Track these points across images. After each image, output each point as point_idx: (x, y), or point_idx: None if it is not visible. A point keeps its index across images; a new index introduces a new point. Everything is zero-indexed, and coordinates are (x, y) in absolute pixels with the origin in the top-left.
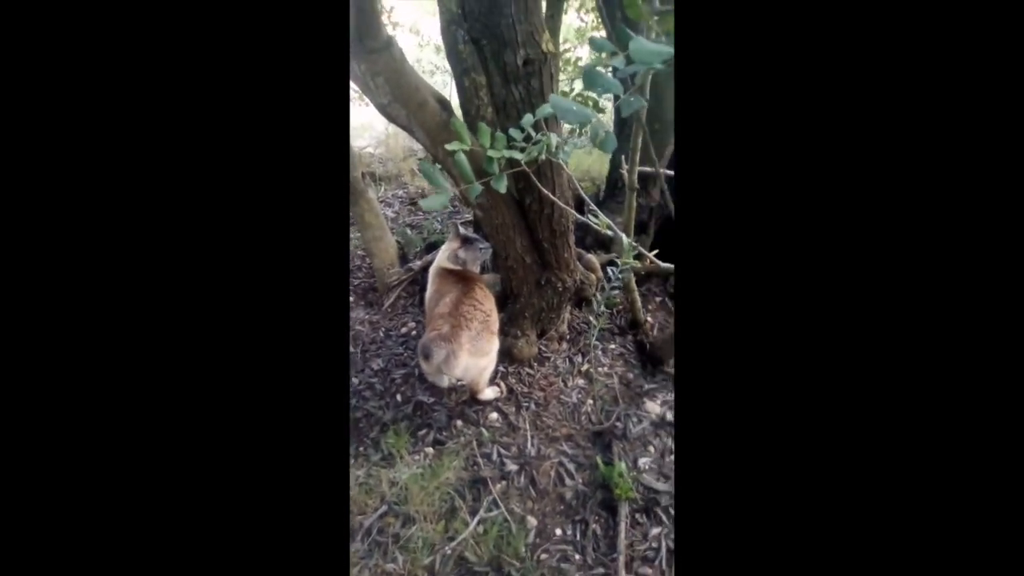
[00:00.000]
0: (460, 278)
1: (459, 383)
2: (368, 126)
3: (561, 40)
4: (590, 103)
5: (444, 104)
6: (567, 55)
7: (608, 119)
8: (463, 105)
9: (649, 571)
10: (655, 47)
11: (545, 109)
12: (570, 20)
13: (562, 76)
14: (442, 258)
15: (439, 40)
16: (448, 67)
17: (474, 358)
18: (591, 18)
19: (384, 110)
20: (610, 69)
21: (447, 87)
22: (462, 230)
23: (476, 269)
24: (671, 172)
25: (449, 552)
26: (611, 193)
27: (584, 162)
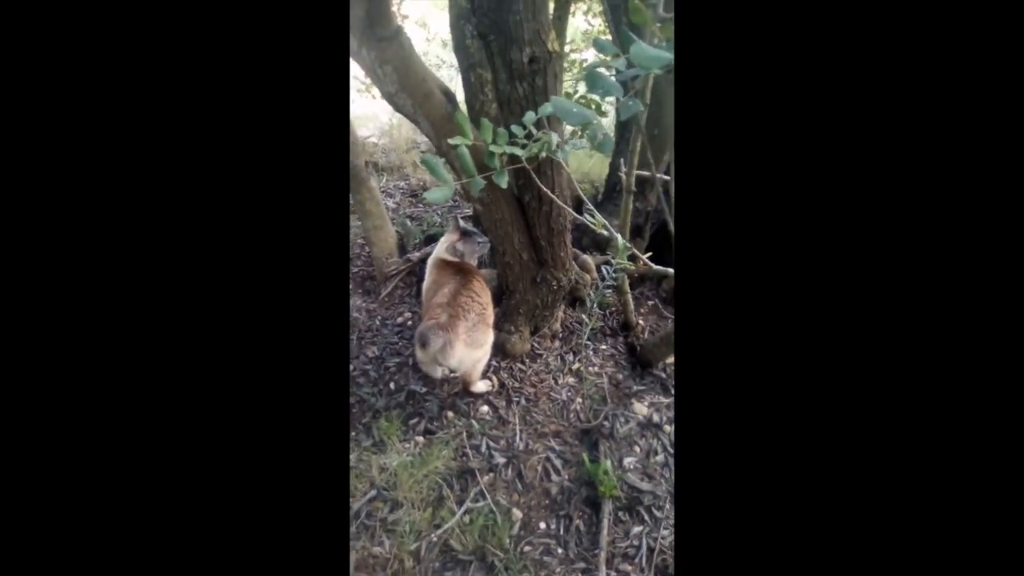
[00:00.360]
0: (458, 270)
1: (452, 375)
2: (372, 116)
3: (567, 41)
4: (592, 105)
5: (449, 96)
6: (572, 57)
7: (610, 122)
8: (468, 100)
9: (629, 568)
10: (655, 52)
11: (547, 108)
12: (577, 23)
13: (566, 78)
14: (440, 249)
15: (446, 35)
16: (454, 62)
17: (470, 349)
18: (598, 22)
19: (391, 99)
20: (613, 72)
21: (452, 81)
22: (462, 223)
23: (473, 262)
24: (667, 177)
25: (435, 539)
26: (609, 196)
27: (584, 165)
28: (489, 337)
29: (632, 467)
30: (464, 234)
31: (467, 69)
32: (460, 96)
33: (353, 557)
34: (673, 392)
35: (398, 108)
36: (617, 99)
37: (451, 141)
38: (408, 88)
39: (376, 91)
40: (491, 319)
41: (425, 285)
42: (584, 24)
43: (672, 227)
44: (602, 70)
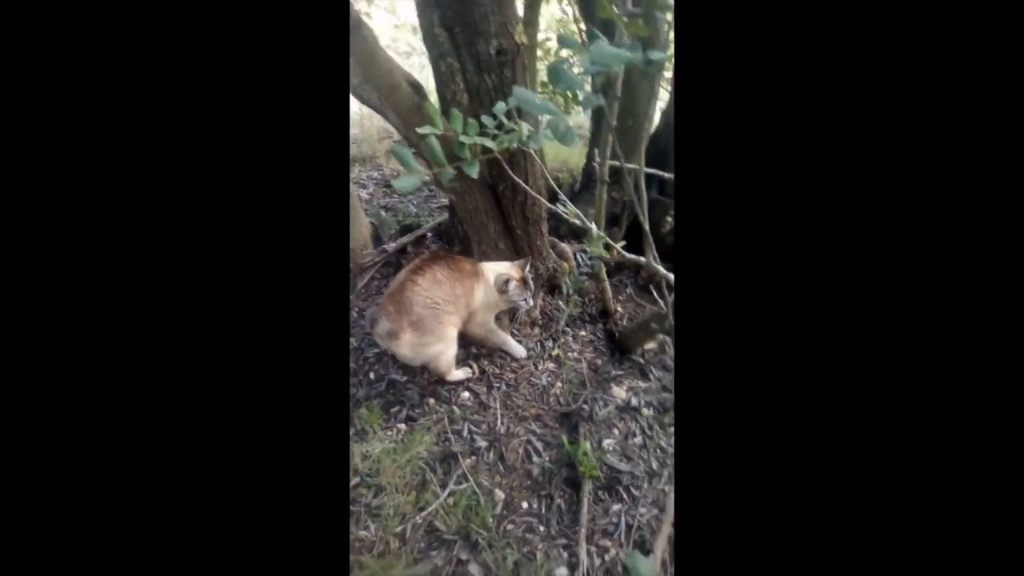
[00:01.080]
0: (423, 261)
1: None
2: None
3: (542, 28)
4: (563, 97)
5: (417, 88)
6: (547, 44)
7: (587, 113)
8: (439, 89)
9: (609, 543)
10: (614, 51)
11: (513, 99)
12: (553, 10)
13: (541, 66)
14: (494, 268)
15: (415, 21)
16: (424, 49)
17: (419, 342)
18: (572, 10)
19: (355, 91)
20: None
21: (424, 69)
22: (531, 276)
23: (506, 306)
24: (638, 168)
25: (419, 521)
26: (586, 185)
27: (562, 153)
28: (445, 331)
29: (611, 448)
30: (525, 282)
31: (436, 58)
32: (432, 84)
33: None
34: (651, 377)
35: (363, 100)
36: (579, 93)
37: (420, 130)
38: (373, 80)
39: None
40: (448, 315)
41: None
42: (559, 12)
43: (642, 218)
44: (565, 65)
